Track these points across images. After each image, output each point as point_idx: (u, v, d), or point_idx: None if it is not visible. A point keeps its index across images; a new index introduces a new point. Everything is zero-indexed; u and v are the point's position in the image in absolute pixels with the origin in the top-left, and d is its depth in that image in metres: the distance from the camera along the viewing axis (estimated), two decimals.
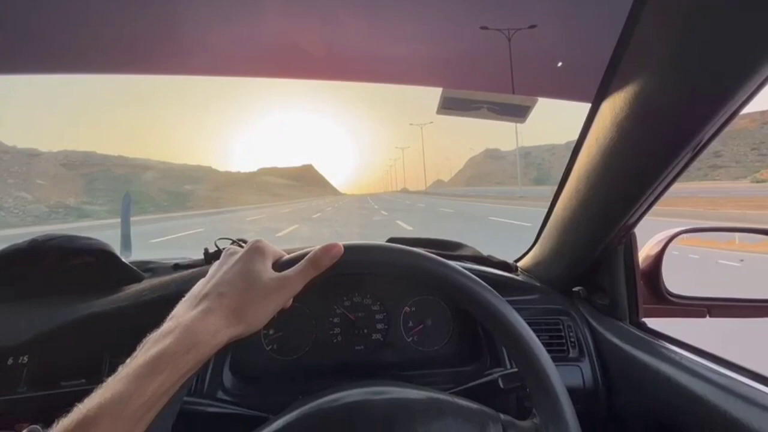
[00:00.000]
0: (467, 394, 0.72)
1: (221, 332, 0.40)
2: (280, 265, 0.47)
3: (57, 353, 0.74)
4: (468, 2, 0.58)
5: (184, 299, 0.45)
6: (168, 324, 0.40)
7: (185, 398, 0.55)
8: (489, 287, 0.50)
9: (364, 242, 0.51)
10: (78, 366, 0.73)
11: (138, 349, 0.39)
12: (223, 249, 0.86)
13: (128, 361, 0.37)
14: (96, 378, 0.75)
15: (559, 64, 0.60)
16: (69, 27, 0.61)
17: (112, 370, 0.37)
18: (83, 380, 0.72)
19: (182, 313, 0.42)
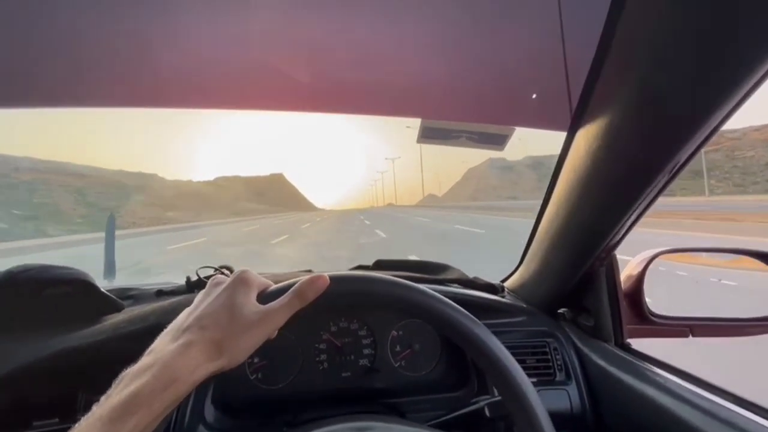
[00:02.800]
0: (454, 423, 0.71)
1: (201, 367, 0.39)
2: (265, 297, 0.46)
3: (29, 391, 0.71)
4: (446, 35, 0.59)
5: (165, 331, 0.44)
6: (146, 359, 0.39)
7: None
8: (471, 316, 0.50)
9: (349, 273, 0.51)
10: (51, 404, 0.70)
11: (114, 385, 0.37)
12: (206, 278, 0.85)
13: (103, 399, 0.36)
14: (70, 416, 0.72)
15: (534, 96, 0.62)
16: (25, 57, 0.61)
17: (87, 407, 0.35)
18: (56, 419, 0.69)
19: (162, 347, 0.41)
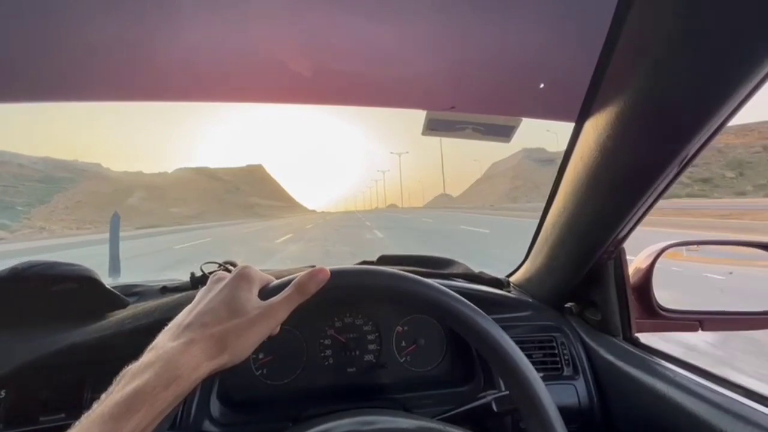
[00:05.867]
0: (461, 418, 0.71)
1: (203, 365, 0.39)
2: (266, 292, 0.46)
3: (36, 387, 0.71)
4: (451, 24, 0.58)
5: (166, 329, 0.43)
6: (148, 356, 0.39)
7: None
8: (476, 308, 0.49)
9: (350, 266, 0.51)
10: (58, 400, 0.70)
11: (114, 383, 0.37)
12: (210, 273, 0.85)
13: (103, 397, 0.35)
14: (76, 412, 0.72)
15: (541, 85, 0.61)
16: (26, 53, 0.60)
17: (93, 402, 0.35)
18: (63, 415, 0.69)
19: (163, 344, 0.40)
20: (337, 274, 0.47)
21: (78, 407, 0.70)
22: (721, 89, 0.44)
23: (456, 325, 0.49)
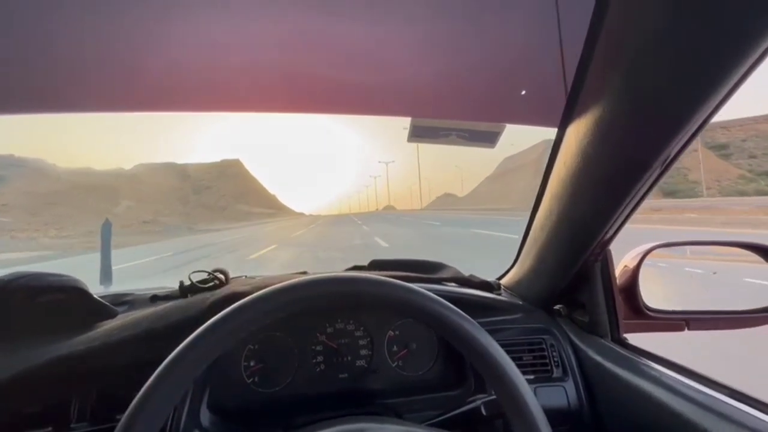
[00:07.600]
0: (451, 423, 0.71)
1: None
2: None
3: (23, 399, 0.70)
4: (434, 32, 0.59)
5: None
6: None
7: None
8: (461, 312, 0.49)
9: (334, 274, 0.51)
10: (45, 412, 0.69)
11: None
12: (198, 282, 0.85)
13: None
14: (64, 425, 0.72)
15: (523, 92, 0.62)
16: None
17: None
18: (50, 428, 0.68)
19: None
20: (324, 282, 0.47)
21: (65, 420, 0.69)
22: (700, 90, 0.45)
23: (440, 329, 0.49)
